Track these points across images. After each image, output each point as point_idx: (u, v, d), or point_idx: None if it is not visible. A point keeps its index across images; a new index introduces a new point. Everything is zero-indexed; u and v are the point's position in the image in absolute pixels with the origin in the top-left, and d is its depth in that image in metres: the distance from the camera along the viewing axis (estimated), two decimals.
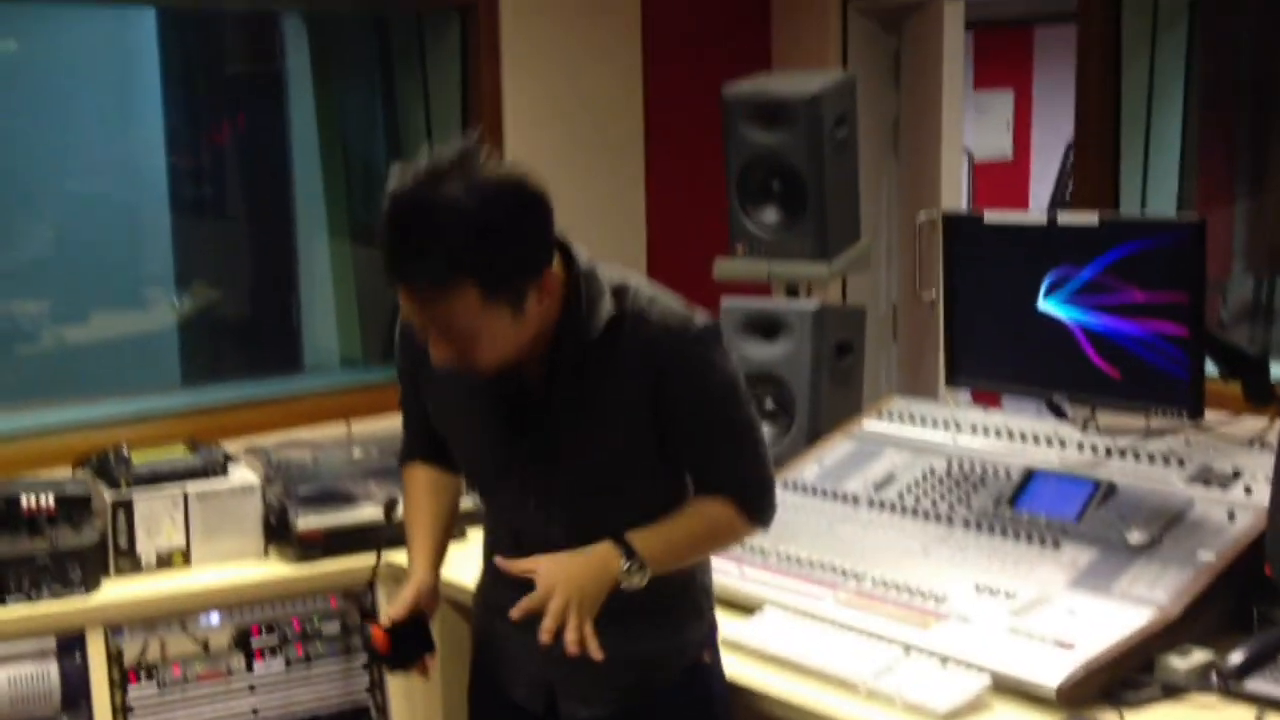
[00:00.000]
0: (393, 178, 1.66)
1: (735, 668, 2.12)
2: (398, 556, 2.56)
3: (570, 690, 1.96)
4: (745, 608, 2.30)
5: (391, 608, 1.92)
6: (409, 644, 1.90)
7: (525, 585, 1.80)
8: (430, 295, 1.65)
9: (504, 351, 1.75)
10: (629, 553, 1.82)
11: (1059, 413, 2.60)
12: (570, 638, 1.73)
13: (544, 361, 1.83)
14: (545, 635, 1.73)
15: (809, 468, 2.72)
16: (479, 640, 2.09)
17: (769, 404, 3.01)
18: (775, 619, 2.23)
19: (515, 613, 1.76)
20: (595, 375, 1.83)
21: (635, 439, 1.86)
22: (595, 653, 1.75)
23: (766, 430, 2.96)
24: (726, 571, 2.38)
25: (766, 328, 3.02)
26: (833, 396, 2.99)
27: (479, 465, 1.97)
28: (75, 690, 2.34)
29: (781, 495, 2.62)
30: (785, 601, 2.27)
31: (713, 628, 2.07)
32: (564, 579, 1.77)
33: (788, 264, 3.13)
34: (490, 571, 2.01)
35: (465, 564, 2.24)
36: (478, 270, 1.64)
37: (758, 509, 1.98)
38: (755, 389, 2.95)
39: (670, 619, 1.99)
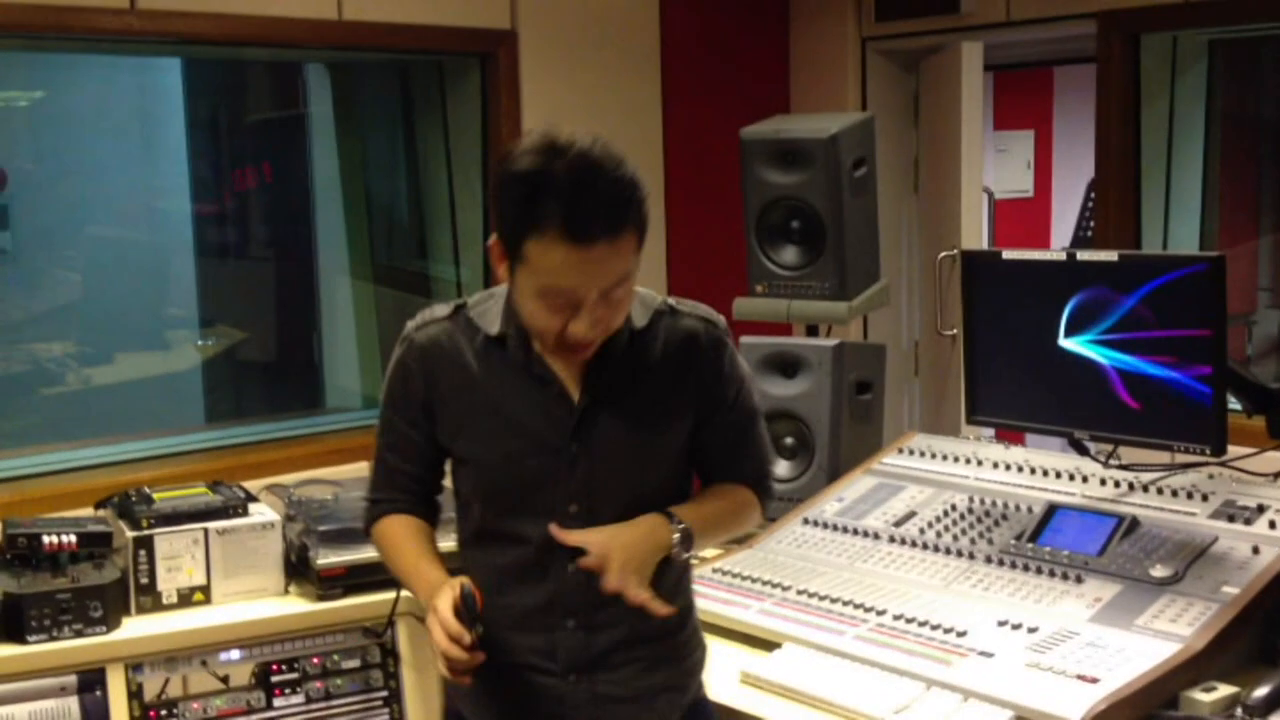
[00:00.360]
0: (536, 147, 1.70)
1: (756, 703, 2.11)
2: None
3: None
4: (765, 644, 2.28)
5: (443, 601, 1.78)
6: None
7: (552, 630, 1.87)
8: (628, 243, 1.72)
9: (626, 313, 1.82)
10: (677, 523, 1.87)
11: (1081, 449, 2.58)
12: (634, 594, 1.77)
13: (585, 364, 1.86)
14: (611, 583, 1.76)
15: (829, 504, 2.72)
16: (469, 691, 1.96)
17: (789, 441, 3.00)
18: (795, 655, 2.22)
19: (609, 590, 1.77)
20: (638, 371, 1.89)
21: (677, 430, 1.93)
22: (661, 609, 1.78)
23: (786, 467, 2.96)
24: (746, 607, 2.37)
25: (786, 366, 3.03)
26: (853, 433, 2.99)
27: (512, 477, 1.89)
28: None
29: (801, 531, 2.65)
30: (805, 637, 2.25)
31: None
32: (619, 545, 1.80)
33: (807, 304, 3.14)
34: (502, 609, 1.91)
35: None
36: (640, 217, 1.75)
37: (770, 496, 2.09)
38: (775, 426, 2.95)
39: (680, 652, 1.99)
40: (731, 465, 2.02)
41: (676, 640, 1.98)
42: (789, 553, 2.58)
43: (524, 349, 1.87)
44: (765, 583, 2.45)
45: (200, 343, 4.24)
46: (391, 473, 2.01)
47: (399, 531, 1.98)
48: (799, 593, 2.40)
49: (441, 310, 1.94)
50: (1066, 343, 2.48)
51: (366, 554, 2.60)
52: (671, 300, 1.96)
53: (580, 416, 1.87)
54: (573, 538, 1.82)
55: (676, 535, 1.86)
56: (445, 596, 1.77)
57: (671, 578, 1.92)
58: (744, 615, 2.36)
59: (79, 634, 2.36)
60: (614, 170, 1.71)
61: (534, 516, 1.86)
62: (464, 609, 1.76)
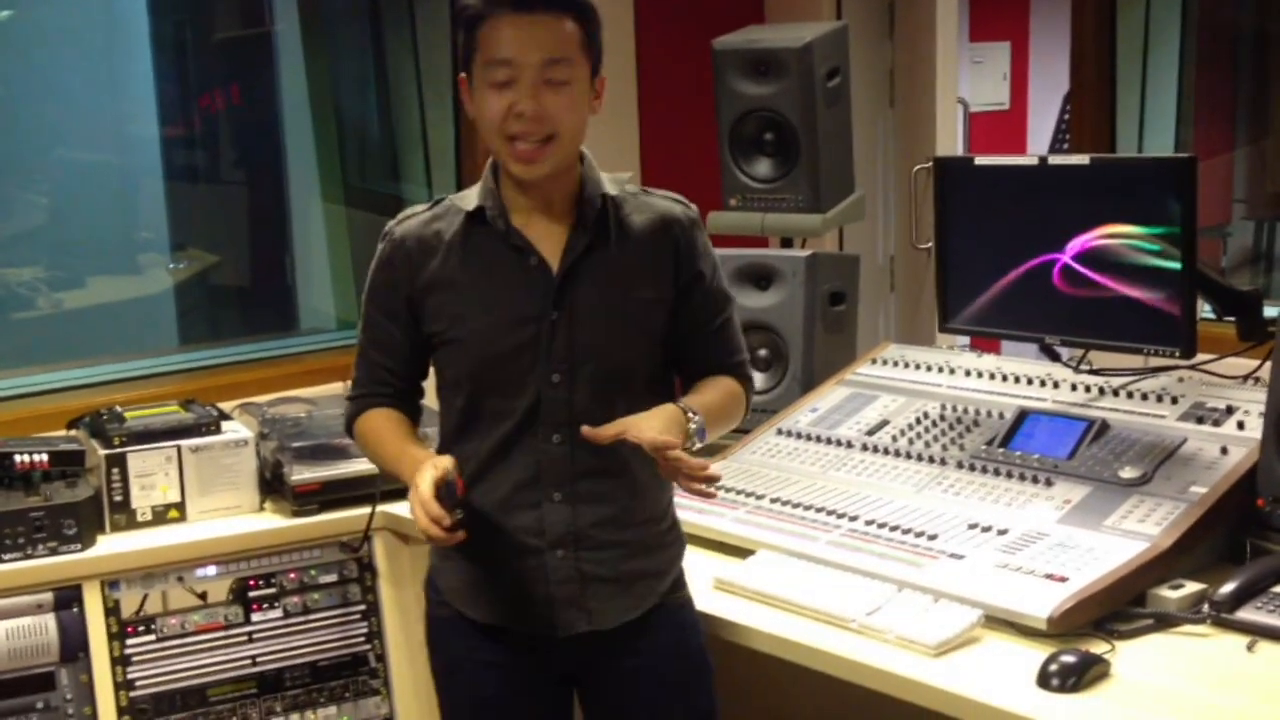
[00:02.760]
0: None
1: (729, 609, 2.13)
2: (393, 508, 2.58)
3: (570, 604, 1.96)
4: (740, 551, 2.30)
5: (424, 480, 1.81)
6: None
7: (539, 505, 1.92)
8: (571, 27, 1.86)
9: (576, 120, 1.89)
10: (693, 414, 1.92)
11: (1052, 355, 2.59)
12: (697, 465, 1.80)
13: (562, 232, 1.94)
14: (654, 440, 1.80)
15: (803, 414, 2.72)
16: (454, 590, 2.03)
17: (763, 353, 3.00)
18: (768, 560, 2.23)
19: (655, 446, 1.79)
20: (617, 241, 1.95)
21: (655, 303, 1.97)
22: (699, 469, 1.81)
23: (761, 379, 2.96)
24: (720, 514, 2.39)
25: (760, 278, 3.02)
26: (827, 345, 2.99)
27: (496, 350, 1.92)
28: (74, 642, 2.35)
29: (775, 442, 2.66)
30: (778, 544, 2.27)
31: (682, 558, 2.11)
32: (647, 427, 1.83)
33: (782, 216, 3.12)
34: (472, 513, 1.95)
35: None
36: (582, 12, 1.88)
37: (750, 388, 2.13)
38: (749, 338, 2.93)
39: (662, 541, 2.04)
40: (712, 351, 2.06)
41: (658, 529, 2.03)
42: (763, 463, 2.60)
43: (503, 219, 1.94)
44: (739, 492, 2.46)
45: (171, 266, 4.20)
46: (374, 368, 2.05)
47: (381, 424, 2.02)
48: (772, 500, 2.41)
49: (421, 205, 2.04)
50: (1038, 248, 2.48)
51: (341, 470, 2.61)
52: (645, 187, 2.06)
53: (559, 284, 1.92)
54: (606, 433, 1.84)
55: (693, 426, 1.90)
56: (426, 475, 1.80)
57: (617, 473, 1.95)
58: (718, 524, 2.37)
59: (54, 551, 2.36)
60: None
61: (519, 388, 1.91)
62: (445, 494, 1.78)
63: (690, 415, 1.91)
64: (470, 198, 1.99)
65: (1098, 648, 1.87)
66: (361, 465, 2.59)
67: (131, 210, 4.27)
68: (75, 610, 2.36)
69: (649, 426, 1.84)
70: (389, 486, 2.52)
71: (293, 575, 2.52)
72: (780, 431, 2.69)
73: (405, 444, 1.97)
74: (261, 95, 4.39)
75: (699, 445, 1.92)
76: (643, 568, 2.01)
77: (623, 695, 2.05)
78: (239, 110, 4.49)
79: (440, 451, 1.97)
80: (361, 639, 2.55)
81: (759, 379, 3.01)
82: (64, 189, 4.09)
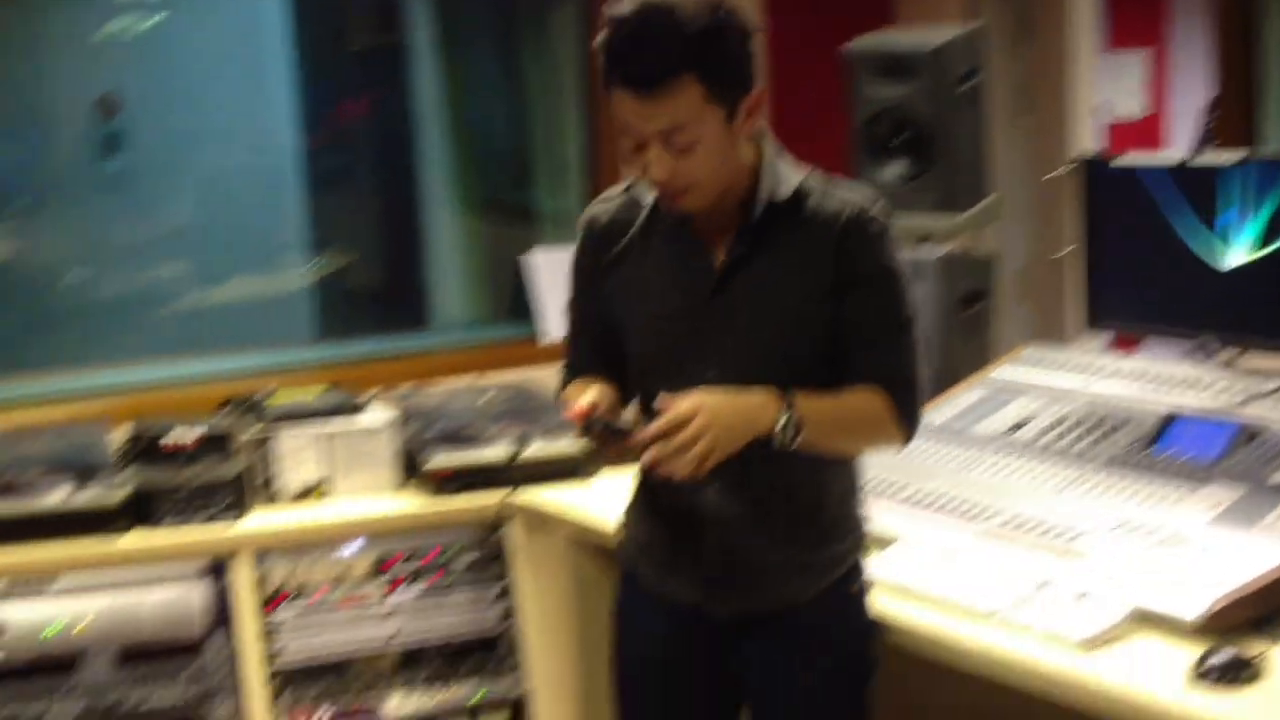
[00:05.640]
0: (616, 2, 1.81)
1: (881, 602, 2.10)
2: (527, 495, 2.62)
3: (724, 586, 1.98)
4: (880, 542, 2.27)
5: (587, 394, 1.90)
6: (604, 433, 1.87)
7: (684, 488, 1.88)
8: (661, 90, 1.77)
9: (714, 166, 1.84)
10: (790, 408, 1.85)
11: (1204, 354, 2.53)
12: (681, 466, 1.77)
13: (733, 229, 1.92)
14: (653, 455, 1.77)
15: (937, 414, 2.69)
16: (629, 553, 2.11)
17: None
18: (909, 552, 2.21)
19: (658, 425, 1.77)
20: (781, 243, 1.92)
21: (815, 306, 1.92)
22: (702, 478, 1.80)
23: None
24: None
25: None
26: (961, 346, 2.95)
27: (659, 340, 1.97)
28: (221, 612, 2.43)
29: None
30: (920, 536, 2.25)
31: (861, 557, 2.07)
32: (712, 408, 1.80)
33: (915, 217, 3.09)
34: (647, 480, 2.05)
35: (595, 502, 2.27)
36: (703, 66, 1.78)
37: (906, 412, 1.97)
38: None
39: (825, 533, 2.01)
40: (865, 366, 1.93)
41: (822, 518, 2.01)
42: (893, 464, 2.56)
43: (677, 218, 1.95)
44: (880, 483, 2.43)
45: (308, 267, 4.32)
46: (576, 347, 2.11)
47: (582, 386, 2.01)
48: (914, 492, 2.38)
49: (616, 189, 2.07)
50: (1186, 245, 2.43)
51: (477, 456, 2.66)
52: (831, 179, 1.98)
53: (720, 279, 1.92)
54: (681, 402, 1.81)
55: (783, 419, 1.84)
56: (591, 391, 1.90)
57: (772, 459, 1.89)
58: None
59: (208, 520, 2.45)
60: (664, 18, 1.77)
61: (678, 379, 1.90)
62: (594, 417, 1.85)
63: (786, 410, 1.84)
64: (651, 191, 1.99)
65: (1251, 648, 1.82)
66: (496, 452, 2.64)
67: (272, 212, 4.40)
68: (223, 581, 2.44)
69: (698, 400, 1.80)
70: (526, 472, 2.56)
71: (432, 554, 2.57)
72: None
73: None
74: (397, 103, 4.49)
75: (793, 443, 1.85)
76: (800, 556, 1.99)
77: (776, 683, 2.03)
78: (375, 117, 4.61)
79: None
80: (499, 618, 2.59)
81: None
82: (209, 192, 4.24)
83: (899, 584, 2.13)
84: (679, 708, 2.09)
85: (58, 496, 2.41)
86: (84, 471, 2.47)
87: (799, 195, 1.92)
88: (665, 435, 1.77)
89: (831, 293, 1.91)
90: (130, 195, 4.05)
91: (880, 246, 1.93)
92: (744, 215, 1.92)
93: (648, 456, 1.79)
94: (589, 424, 1.85)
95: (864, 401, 1.94)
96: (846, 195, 1.94)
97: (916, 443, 2.57)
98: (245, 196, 4.33)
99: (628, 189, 2.04)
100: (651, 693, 2.10)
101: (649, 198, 1.98)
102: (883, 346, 1.95)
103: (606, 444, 1.87)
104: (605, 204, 2.06)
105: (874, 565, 2.18)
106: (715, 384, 1.87)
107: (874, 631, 2.06)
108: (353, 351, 3.60)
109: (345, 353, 3.59)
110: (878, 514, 2.34)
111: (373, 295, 4.46)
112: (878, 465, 2.51)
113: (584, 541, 2.55)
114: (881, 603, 2.09)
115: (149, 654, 2.41)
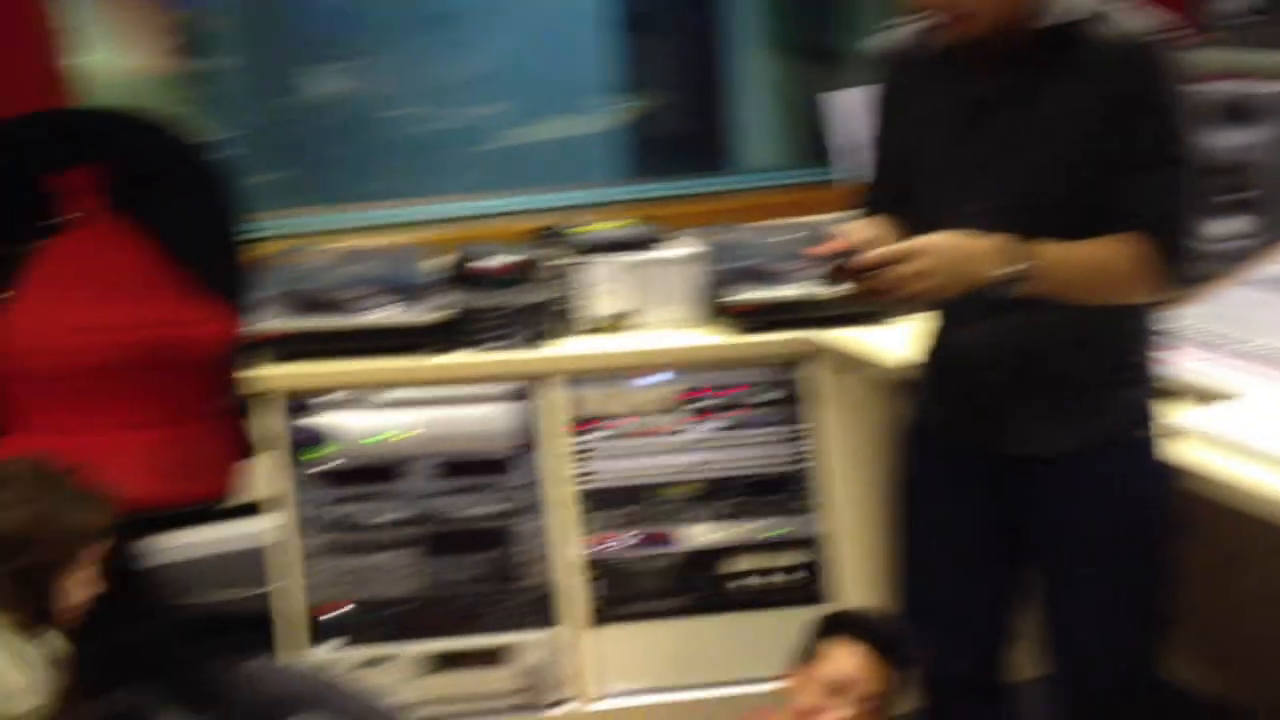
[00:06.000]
0: None
1: (1201, 458, 1.96)
2: (828, 335, 2.60)
3: (1004, 426, 1.95)
4: (1217, 398, 2.12)
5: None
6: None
7: (976, 321, 1.89)
8: None
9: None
10: (1022, 259, 1.76)
11: None
12: (892, 298, 1.75)
13: (1009, 59, 1.84)
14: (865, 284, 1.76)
15: (1276, 266, 2.47)
16: (917, 392, 2.11)
17: (1230, 197, 2.74)
18: (1248, 409, 2.05)
19: (873, 255, 1.75)
20: (1054, 74, 1.82)
21: (1080, 143, 1.82)
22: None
23: (1225, 225, 2.70)
24: (1200, 359, 2.21)
25: (1235, 114, 2.74)
26: None
27: (927, 178, 1.94)
28: (531, 432, 2.55)
29: (1239, 294, 2.42)
30: (1261, 393, 2.08)
31: (1152, 404, 1.97)
32: (938, 250, 1.75)
33: (1269, 52, 2.81)
34: (942, 318, 2.03)
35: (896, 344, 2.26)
36: None
37: (1170, 254, 1.82)
38: (1216, 180, 2.70)
39: (1108, 378, 1.94)
40: (1131, 199, 1.81)
41: (1106, 363, 1.94)
42: (1220, 315, 2.38)
43: (949, 47, 1.88)
44: (1218, 336, 2.26)
45: (614, 109, 4.39)
46: (875, 179, 2.08)
47: (858, 226, 1.97)
48: (1256, 347, 2.20)
49: (903, 20, 2.02)
50: None
51: (779, 293, 2.65)
52: (1113, 7, 1.83)
53: (981, 109, 1.86)
54: (916, 240, 1.77)
55: (1010, 270, 1.75)
56: (854, 229, 1.85)
57: (1048, 304, 1.81)
58: (1196, 369, 2.19)
59: (521, 345, 2.56)
60: None
61: (945, 217, 1.84)
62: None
63: (1017, 260, 1.74)
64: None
65: None
66: (799, 289, 2.62)
67: (585, 54, 4.48)
68: (533, 403, 2.54)
69: (927, 240, 1.74)
70: (827, 312, 2.54)
71: (733, 390, 2.60)
72: (1252, 283, 2.46)
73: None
74: None
75: (1013, 292, 1.76)
76: (1084, 401, 1.92)
77: (1058, 533, 1.98)
78: None
79: None
80: (798, 457, 2.61)
81: (1222, 226, 2.76)
82: (520, 35, 4.34)
83: (1235, 441, 1.97)
84: (956, 547, 2.06)
85: (383, 315, 2.56)
86: (407, 292, 2.60)
87: (1077, 23, 1.81)
88: (882, 265, 1.74)
89: (1101, 124, 1.80)
90: (451, 35, 4.20)
91: (1158, 75, 1.80)
92: (1020, 44, 1.83)
93: (861, 284, 1.76)
94: (829, 260, 1.79)
95: (1115, 248, 1.81)
96: (1134, 21, 1.81)
97: (1250, 295, 2.41)
98: (560, 38, 4.42)
99: (914, 20, 1.97)
100: (931, 532, 2.09)
101: (930, 29, 1.91)
102: (1149, 183, 1.81)
103: (839, 280, 1.80)
104: (885, 38, 2.03)
105: (1208, 419, 2.03)
106: (980, 224, 1.79)
107: (1167, 479, 1.95)
108: (658, 191, 3.64)
109: (651, 192, 3.63)
110: (1218, 368, 2.18)
111: (676, 139, 4.49)
112: (1208, 316, 2.35)
113: (884, 383, 2.51)
114: (1214, 460, 1.95)
115: (464, 468, 2.56)
